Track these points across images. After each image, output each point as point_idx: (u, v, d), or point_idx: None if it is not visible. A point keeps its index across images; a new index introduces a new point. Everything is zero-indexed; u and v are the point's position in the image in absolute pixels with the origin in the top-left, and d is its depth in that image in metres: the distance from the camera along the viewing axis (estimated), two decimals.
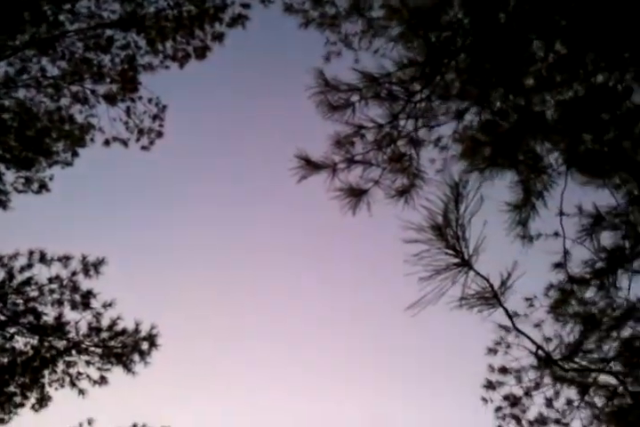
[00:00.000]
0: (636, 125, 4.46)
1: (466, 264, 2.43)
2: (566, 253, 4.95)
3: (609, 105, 4.33)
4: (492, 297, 2.43)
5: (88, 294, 9.72)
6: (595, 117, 4.32)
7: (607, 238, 5.08)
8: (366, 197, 4.70)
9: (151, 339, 9.80)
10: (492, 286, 2.44)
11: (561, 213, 4.93)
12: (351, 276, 18.29)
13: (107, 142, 10.47)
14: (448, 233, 2.41)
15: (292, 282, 19.37)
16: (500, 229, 4.45)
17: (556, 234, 6.07)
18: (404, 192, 4.73)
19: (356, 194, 4.67)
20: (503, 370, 9.21)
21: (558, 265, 5.79)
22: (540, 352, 3.02)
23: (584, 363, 3.53)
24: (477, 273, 2.43)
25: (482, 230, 2.47)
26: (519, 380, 9.19)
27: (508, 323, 2.50)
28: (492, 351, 9.27)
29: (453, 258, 2.43)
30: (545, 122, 4.41)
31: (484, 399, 9.30)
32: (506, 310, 2.48)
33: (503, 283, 2.42)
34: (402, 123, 4.53)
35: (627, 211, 5.10)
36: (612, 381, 7.88)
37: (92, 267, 9.61)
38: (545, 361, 2.99)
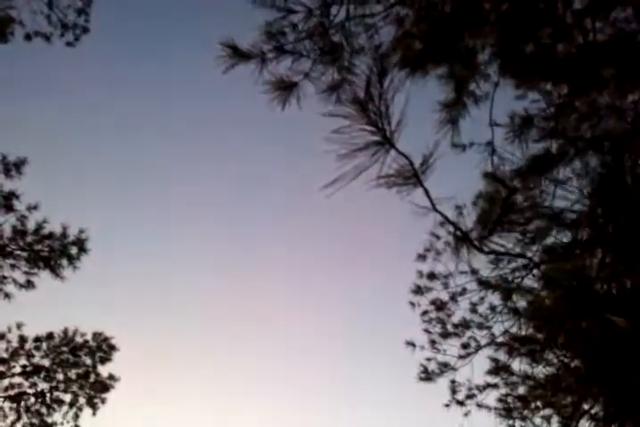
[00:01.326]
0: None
1: (387, 142, 2.34)
2: (494, 151, 4.93)
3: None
4: (412, 176, 2.37)
5: (11, 196, 9.37)
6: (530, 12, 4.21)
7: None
8: (296, 90, 4.52)
9: (80, 243, 9.63)
10: (412, 164, 2.37)
11: (491, 114, 4.89)
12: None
13: (28, 37, 9.76)
14: (370, 109, 2.31)
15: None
16: (425, 111, 4.34)
17: (489, 143, 6.10)
18: (335, 88, 4.56)
19: (285, 87, 4.47)
20: (431, 276, 9.48)
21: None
22: (458, 233, 3.02)
23: (502, 243, 3.56)
24: (398, 151, 2.36)
25: (404, 107, 2.36)
26: (446, 286, 9.50)
27: (427, 204, 2.44)
28: (422, 257, 9.50)
29: (374, 135, 2.34)
30: (481, 15, 4.26)
31: (412, 304, 9.60)
32: (426, 191, 2.43)
33: (424, 161, 2.36)
34: (334, 11, 4.30)
35: (555, 116, 5.11)
36: (535, 284, 8.22)
37: (13, 167, 9.19)
38: (462, 240, 2.99)
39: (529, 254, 6.60)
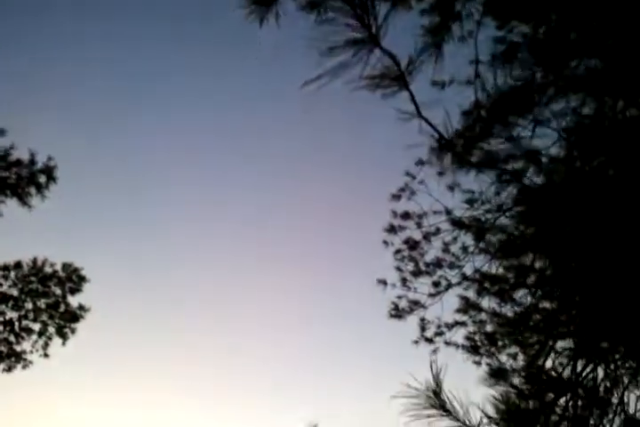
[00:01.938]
0: None
1: (373, 40, 2.21)
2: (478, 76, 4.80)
3: None
4: (397, 77, 2.24)
5: None
6: None
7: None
8: (275, 6, 4.30)
9: (48, 171, 9.42)
10: (398, 64, 2.25)
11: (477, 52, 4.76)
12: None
13: None
14: (357, 2, 2.16)
15: None
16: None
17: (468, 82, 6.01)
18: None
19: (263, 2, 4.25)
20: (405, 215, 9.46)
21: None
22: (442, 141, 2.92)
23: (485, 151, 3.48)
24: (384, 50, 2.23)
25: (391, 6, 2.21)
26: (419, 225, 9.51)
27: (412, 108, 2.33)
28: (396, 197, 9.46)
29: (359, 32, 2.20)
30: None
31: (386, 242, 9.62)
32: (411, 94, 2.32)
33: (411, 62, 2.23)
34: None
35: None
36: (508, 224, 8.23)
37: None
38: (446, 149, 2.90)
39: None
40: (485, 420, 2.21)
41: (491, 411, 2.40)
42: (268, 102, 17.42)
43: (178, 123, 18.07)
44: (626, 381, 3.76)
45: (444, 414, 2.22)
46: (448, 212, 9.21)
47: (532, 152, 7.57)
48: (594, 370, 4.01)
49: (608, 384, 3.86)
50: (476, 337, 8.97)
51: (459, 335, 9.16)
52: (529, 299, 7.98)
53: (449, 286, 9.22)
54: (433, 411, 2.23)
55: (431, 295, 9.25)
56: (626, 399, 3.47)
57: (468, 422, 2.22)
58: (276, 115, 16.99)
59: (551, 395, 3.24)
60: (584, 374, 4.09)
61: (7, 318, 11.20)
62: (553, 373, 4.32)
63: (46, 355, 11.57)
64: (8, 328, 11.10)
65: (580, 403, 3.30)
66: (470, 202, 8.82)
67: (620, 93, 4.94)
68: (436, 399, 2.22)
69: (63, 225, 15.43)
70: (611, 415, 3.24)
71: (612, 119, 5.03)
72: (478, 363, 8.85)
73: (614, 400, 3.41)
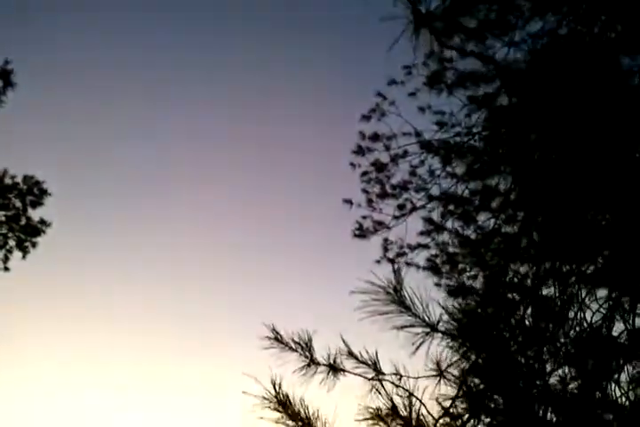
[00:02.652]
0: None
1: None
2: None
3: None
4: None
5: None
6: None
7: None
8: None
9: (5, 76, 9.00)
10: None
11: None
12: None
13: None
14: None
15: None
16: None
17: None
18: None
19: None
20: (374, 137, 9.38)
21: None
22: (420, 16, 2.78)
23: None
24: None
25: None
26: (388, 148, 9.44)
27: None
28: (366, 118, 9.34)
29: None
30: None
31: (353, 165, 9.57)
32: None
33: None
34: None
35: None
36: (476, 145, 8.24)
37: None
38: (422, 24, 2.78)
39: None
40: (445, 317, 2.23)
41: (449, 315, 2.41)
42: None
43: None
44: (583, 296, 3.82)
45: (403, 310, 2.22)
46: (417, 134, 9.15)
47: (505, 73, 7.46)
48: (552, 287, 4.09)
49: (565, 298, 3.92)
50: (438, 260, 9.12)
51: (421, 258, 9.31)
52: (492, 222, 8.10)
53: (414, 208, 9.27)
54: (392, 307, 2.23)
55: (395, 217, 9.31)
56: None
57: (427, 319, 2.23)
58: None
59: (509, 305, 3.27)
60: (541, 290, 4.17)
61: None
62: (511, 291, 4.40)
63: (6, 268, 11.50)
64: None
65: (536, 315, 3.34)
66: (440, 124, 8.78)
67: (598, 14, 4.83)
68: (396, 295, 2.22)
69: (22, 136, 14.96)
70: (567, 329, 3.29)
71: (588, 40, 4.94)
72: (439, 285, 9.04)
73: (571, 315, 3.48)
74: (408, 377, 2.68)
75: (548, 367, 2.75)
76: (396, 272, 2.23)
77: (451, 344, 2.28)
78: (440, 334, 2.27)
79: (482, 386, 2.39)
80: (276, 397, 2.33)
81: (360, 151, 9.45)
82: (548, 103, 5.22)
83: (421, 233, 9.16)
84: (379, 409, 2.40)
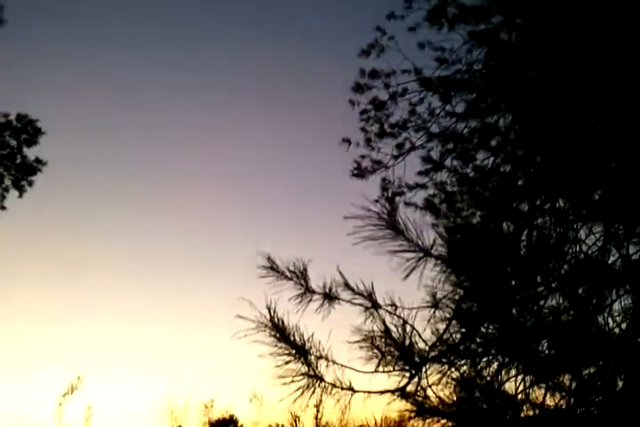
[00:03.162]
0: None
1: None
2: None
3: None
4: None
5: None
6: None
7: None
8: None
9: None
10: None
11: None
12: None
13: None
14: None
15: None
16: None
17: None
18: None
19: None
20: (373, 74, 9.18)
21: None
22: None
23: None
24: None
25: None
26: (387, 85, 9.25)
27: None
28: (365, 53, 9.13)
29: None
30: None
31: (352, 102, 9.41)
32: None
33: None
34: None
35: None
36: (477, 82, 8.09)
37: None
38: None
39: None
40: (439, 241, 2.22)
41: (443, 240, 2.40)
42: None
43: None
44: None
45: (397, 235, 2.22)
46: (417, 71, 8.94)
47: (507, 8, 7.28)
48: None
49: (560, 231, 3.93)
50: (436, 199, 9.08)
51: (419, 198, 9.25)
52: (491, 161, 8.05)
53: (412, 148, 9.17)
54: (386, 232, 2.23)
55: (394, 157, 9.21)
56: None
57: (420, 244, 2.23)
58: None
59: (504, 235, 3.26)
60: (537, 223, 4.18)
61: None
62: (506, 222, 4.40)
63: (3, 207, 11.46)
64: None
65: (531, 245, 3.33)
66: (440, 61, 8.57)
67: None
68: (390, 220, 2.21)
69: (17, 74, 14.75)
70: (562, 259, 3.29)
71: None
72: (436, 225, 9.03)
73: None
74: (403, 308, 2.70)
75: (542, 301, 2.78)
76: (390, 198, 2.20)
77: (444, 269, 2.28)
78: (434, 260, 2.27)
79: (475, 312, 2.41)
80: (270, 321, 2.35)
81: (359, 89, 9.26)
82: (549, 39, 5.09)
83: (420, 173, 9.09)
84: (372, 332, 2.43)
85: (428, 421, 2.32)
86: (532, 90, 5.43)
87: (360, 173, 9.21)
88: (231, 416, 38.78)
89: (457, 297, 2.49)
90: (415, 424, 2.32)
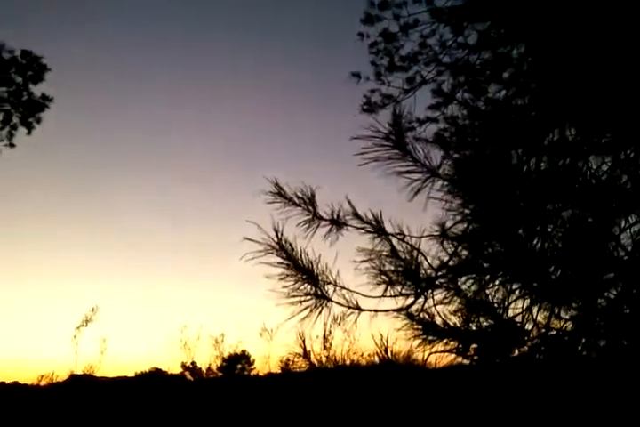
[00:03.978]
0: None
1: None
2: None
3: None
4: None
5: None
6: None
7: None
8: None
9: None
10: None
11: None
12: None
13: None
14: None
15: None
16: None
17: None
18: None
19: None
20: (383, 4, 8.93)
21: None
22: None
23: None
24: None
25: None
26: (397, 17, 9.02)
27: None
28: None
29: None
30: None
31: (361, 35, 9.21)
32: None
33: None
34: None
35: None
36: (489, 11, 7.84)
37: None
38: None
39: None
40: (446, 161, 2.21)
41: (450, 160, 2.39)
42: None
43: None
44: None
45: (404, 155, 2.20)
46: (429, 1, 8.68)
47: None
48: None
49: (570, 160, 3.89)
50: (447, 133, 8.97)
51: (429, 132, 9.15)
52: (503, 94, 7.89)
53: (423, 81, 9.02)
54: (394, 152, 2.21)
55: (405, 91, 9.08)
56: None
57: (427, 164, 2.22)
58: None
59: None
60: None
61: None
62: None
63: (12, 145, 11.46)
64: None
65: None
66: None
67: None
68: (397, 141, 2.19)
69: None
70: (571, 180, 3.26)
71: None
72: (445, 159, 8.95)
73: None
74: (411, 236, 2.71)
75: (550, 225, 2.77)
76: (397, 119, 2.18)
77: (451, 190, 2.27)
78: (441, 181, 2.26)
79: (482, 233, 2.42)
80: (278, 243, 2.37)
81: (369, 20, 9.03)
82: None
83: (430, 107, 8.97)
84: (379, 253, 2.45)
85: (430, 339, 2.36)
86: (547, 19, 5.26)
87: (370, 107, 9.10)
88: (243, 352, 39.92)
89: (464, 219, 2.49)
90: (419, 344, 2.36)
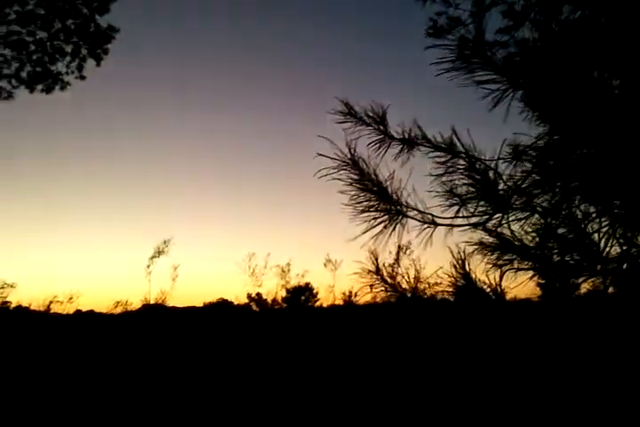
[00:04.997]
0: None
1: None
2: None
3: None
4: None
5: None
6: None
7: None
8: None
9: None
10: None
11: None
12: None
13: None
14: None
15: None
16: None
17: None
18: None
19: None
20: None
21: None
22: None
23: None
24: None
25: None
26: None
27: None
28: None
29: None
30: None
31: None
32: None
33: None
34: None
35: None
36: None
37: None
38: None
39: None
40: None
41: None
42: None
43: None
44: None
45: (485, 66, 2.11)
46: None
47: None
48: None
49: None
50: (517, 58, 8.57)
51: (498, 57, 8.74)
52: (578, 14, 7.44)
53: (494, 2, 8.55)
54: (474, 60, 2.13)
55: (473, 14, 8.64)
56: None
57: (508, 75, 2.12)
58: None
59: None
60: None
61: (37, 37, 11.00)
62: None
63: (82, 77, 11.61)
64: (40, 48, 10.95)
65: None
66: None
67: None
68: (478, 51, 2.10)
69: None
70: None
71: None
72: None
73: None
74: (484, 159, 2.64)
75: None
76: (479, 24, 2.08)
77: (529, 102, 2.18)
78: (520, 92, 2.17)
79: (561, 152, 2.33)
80: (351, 159, 2.35)
81: None
82: None
83: (500, 30, 8.55)
84: (452, 172, 2.40)
85: (505, 258, 2.33)
86: None
87: (436, 31, 8.71)
88: (307, 284, 41.00)
89: (541, 137, 2.40)
90: (494, 261, 2.34)
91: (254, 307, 39.94)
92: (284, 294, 40.07)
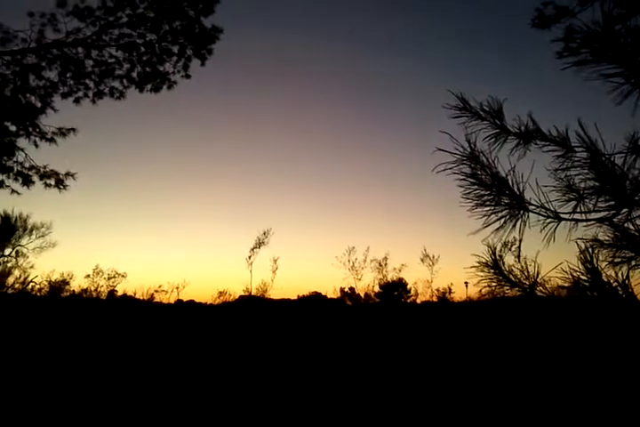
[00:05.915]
0: None
1: None
2: None
3: None
4: None
5: None
6: None
7: None
8: None
9: None
10: None
11: None
12: None
13: None
14: None
15: None
16: None
17: None
18: None
19: None
20: None
21: None
22: None
23: None
24: None
25: None
26: None
27: None
28: None
29: None
30: None
31: None
32: None
33: None
34: None
35: None
36: None
37: None
38: None
39: None
40: None
41: None
42: None
43: None
44: None
45: (614, 55, 2.06)
46: None
47: None
48: None
49: None
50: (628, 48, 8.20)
51: None
52: None
53: None
54: (602, 53, 2.08)
55: (582, 3, 8.34)
56: None
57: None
58: None
59: None
60: None
61: (147, 39, 11.50)
62: None
63: (188, 75, 12.04)
64: (149, 50, 11.46)
65: None
66: None
67: None
68: (607, 41, 2.05)
69: None
70: None
71: None
72: None
73: None
74: (603, 155, 2.58)
75: None
76: (608, 15, 2.03)
77: None
78: None
79: None
80: (471, 153, 2.35)
81: None
82: None
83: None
84: (569, 177, 2.36)
85: (632, 254, 2.27)
86: None
87: (542, 22, 8.49)
88: (400, 279, 40.87)
89: None
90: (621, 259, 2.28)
91: (347, 301, 40.24)
92: (377, 289, 40.15)
